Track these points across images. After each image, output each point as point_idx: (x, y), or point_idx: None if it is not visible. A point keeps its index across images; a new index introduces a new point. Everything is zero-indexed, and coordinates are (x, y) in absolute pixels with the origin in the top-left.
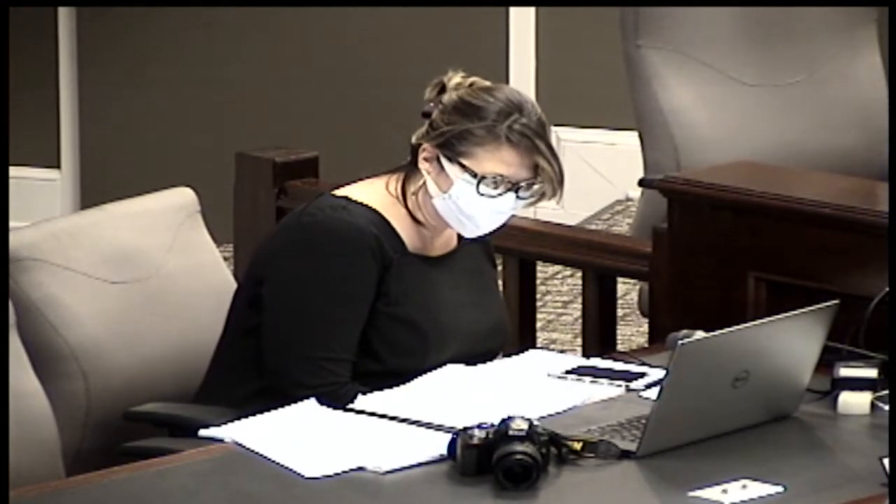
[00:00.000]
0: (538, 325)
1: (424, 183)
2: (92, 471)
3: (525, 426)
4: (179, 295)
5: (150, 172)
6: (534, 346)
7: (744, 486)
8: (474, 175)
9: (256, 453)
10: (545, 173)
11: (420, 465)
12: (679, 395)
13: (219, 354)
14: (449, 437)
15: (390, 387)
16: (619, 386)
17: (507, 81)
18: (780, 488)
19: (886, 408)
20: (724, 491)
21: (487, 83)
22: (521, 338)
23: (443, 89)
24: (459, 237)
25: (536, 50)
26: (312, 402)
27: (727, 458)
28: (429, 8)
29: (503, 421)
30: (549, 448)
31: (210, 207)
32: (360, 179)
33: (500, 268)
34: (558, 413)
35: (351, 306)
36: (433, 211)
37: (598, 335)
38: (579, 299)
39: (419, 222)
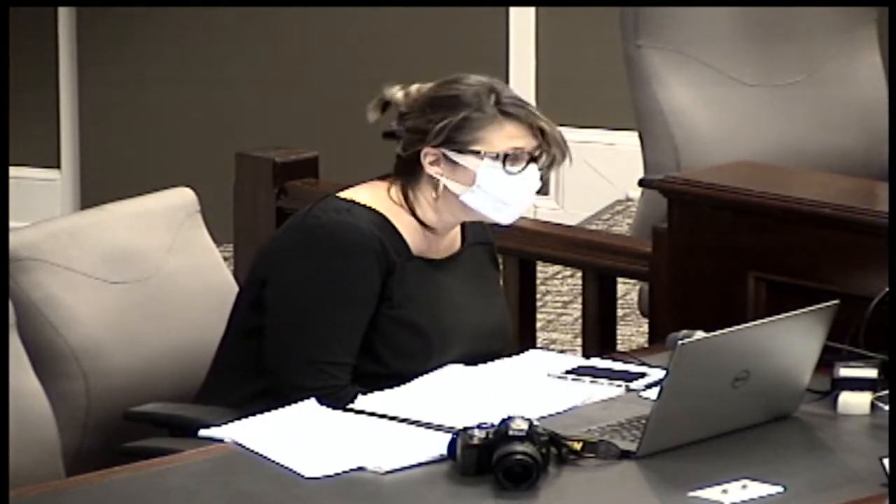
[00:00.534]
0: (538, 325)
1: (434, 187)
2: (92, 471)
3: (525, 426)
4: (179, 295)
5: (150, 172)
6: (534, 346)
7: (744, 486)
8: (496, 156)
9: (256, 453)
10: (550, 136)
11: (420, 465)
12: (679, 395)
13: (220, 355)
14: (449, 437)
15: (392, 389)
16: (619, 386)
17: (507, 81)
18: (780, 488)
19: (886, 408)
20: (724, 491)
21: (442, 79)
22: (521, 338)
23: (386, 105)
24: (463, 240)
25: (536, 50)
26: (312, 402)
27: (727, 458)
28: (429, 8)
29: (503, 421)
30: (549, 448)
31: (210, 207)
32: (361, 182)
33: (500, 268)
34: (558, 413)
35: (353, 309)
36: (448, 212)
37: (598, 335)
38: (579, 299)
39: (427, 227)
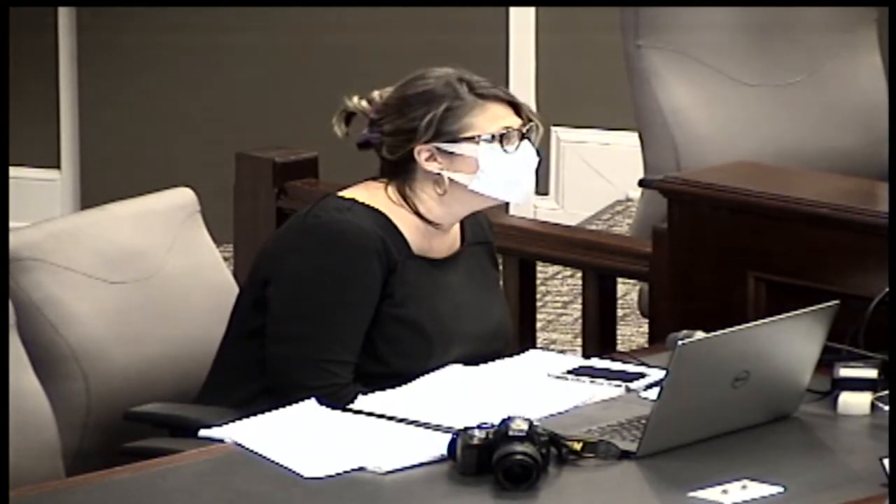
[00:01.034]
0: (538, 325)
1: (435, 183)
2: (92, 471)
3: (525, 426)
4: (179, 295)
5: (150, 172)
6: (534, 347)
7: (744, 486)
8: (491, 138)
9: (256, 453)
10: (527, 109)
11: (420, 465)
12: (679, 395)
13: (221, 355)
14: (449, 437)
15: (393, 388)
16: (619, 386)
17: (507, 81)
18: (780, 488)
19: (886, 408)
20: (724, 491)
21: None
22: (521, 338)
23: (350, 116)
24: (463, 239)
25: (536, 50)
26: (312, 402)
27: (727, 458)
28: (428, 8)
29: (503, 421)
30: (549, 448)
31: (210, 207)
32: (356, 184)
33: (500, 268)
34: (558, 413)
35: (355, 308)
36: (457, 204)
37: (598, 335)
38: (579, 299)
39: (431, 223)
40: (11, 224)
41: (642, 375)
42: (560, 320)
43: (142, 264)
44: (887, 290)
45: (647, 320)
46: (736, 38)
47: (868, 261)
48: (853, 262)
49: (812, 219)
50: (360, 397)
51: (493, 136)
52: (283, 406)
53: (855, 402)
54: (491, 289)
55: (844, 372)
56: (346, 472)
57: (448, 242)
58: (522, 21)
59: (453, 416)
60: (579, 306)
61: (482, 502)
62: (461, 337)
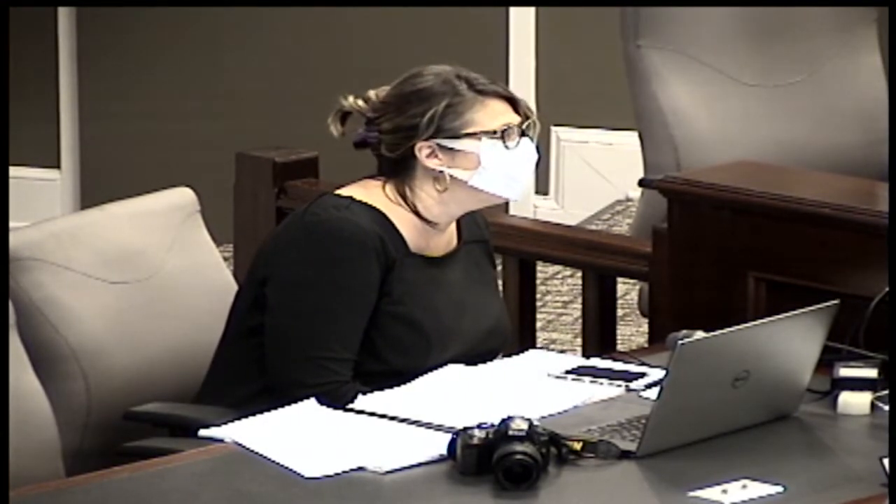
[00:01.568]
0: (538, 325)
1: (435, 180)
2: (92, 471)
3: (525, 426)
4: (179, 295)
5: (150, 172)
6: (534, 346)
7: (744, 486)
8: (493, 134)
9: (256, 453)
10: (525, 105)
11: (420, 465)
12: (679, 395)
13: (220, 355)
14: (449, 437)
15: (392, 387)
16: (619, 386)
17: (507, 81)
18: (780, 488)
19: (886, 408)
20: (724, 491)
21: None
22: (521, 338)
23: (345, 116)
24: (459, 237)
25: (536, 50)
26: (312, 402)
27: (727, 458)
28: (429, 8)
29: (503, 421)
30: (549, 448)
31: (210, 207)
32: (352, 182)
33: (499, 268)
34: (558, 413)
35: (353, 306)
36: (455, 202)
37: (598, 335)
38: (579, 299)
39: (428, 222)
40: (11, 224)
41: (642, 375)
42: (560, 320)
43: (142, 264)
44: (887, 290)
45: (647, 320)
46: (736, 38)
47: (868, 261)
48: (853, 262)
49: (812, 219)
50: (360, 397)
51: (495, 133)
52: (283, 405)
53: (855, 402)
54: (488, 286)
55: (844, 372)
56: (346, 471)
57: (445, 241)
58: (522, 21)
59: (453, 415)
60: (579, 306)
61: (482, 502)
62: (459, 334)
